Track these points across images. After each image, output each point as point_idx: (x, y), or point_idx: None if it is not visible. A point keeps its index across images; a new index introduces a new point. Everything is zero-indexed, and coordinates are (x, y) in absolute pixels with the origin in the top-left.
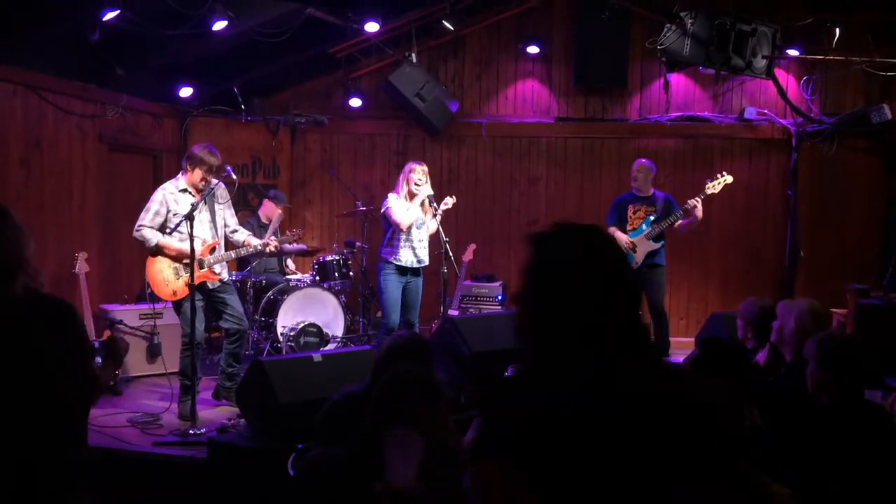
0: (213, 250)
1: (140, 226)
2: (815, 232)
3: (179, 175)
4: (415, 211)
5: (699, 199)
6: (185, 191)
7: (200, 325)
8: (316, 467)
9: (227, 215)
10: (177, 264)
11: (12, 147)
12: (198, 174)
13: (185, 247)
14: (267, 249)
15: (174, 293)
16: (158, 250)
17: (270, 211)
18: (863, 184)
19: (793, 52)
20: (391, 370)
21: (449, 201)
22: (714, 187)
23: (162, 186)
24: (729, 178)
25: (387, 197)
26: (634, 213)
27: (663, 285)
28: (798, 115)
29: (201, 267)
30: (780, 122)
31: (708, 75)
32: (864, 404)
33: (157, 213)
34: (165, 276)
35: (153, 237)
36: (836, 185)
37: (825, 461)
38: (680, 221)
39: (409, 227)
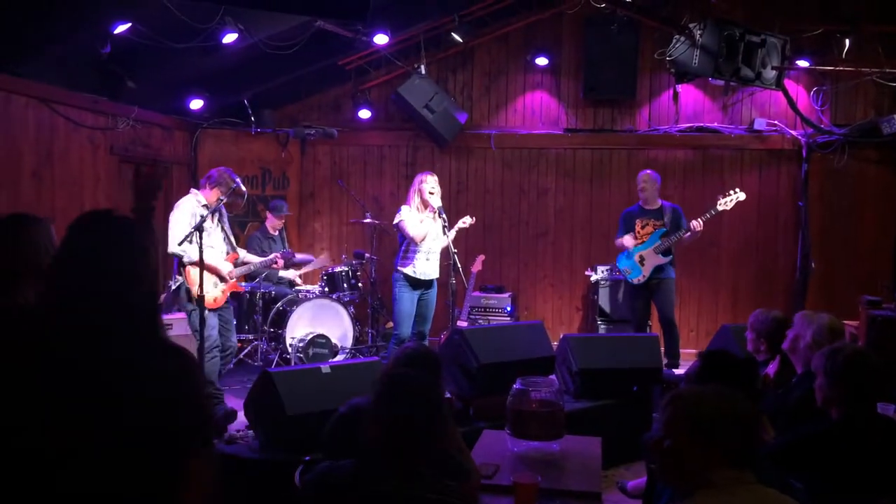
0: (235, 262)
1: (181, 241)
2: (826, 243)
3: (196, 191)
4: (428, 223)
5: (702, 221)
6: (205, 206)
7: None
8: (323, 480)
9: (228, 230)
10: (215, 275)
11: (24, 159)
12: (216, 194)
13: (218, 263)
14: (274, 266)
15: (214, 300)
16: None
17: (276, 222)
18: (874, 194)
19: (803, 63)
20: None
21: (467, 220)
22: (726, 204)
23: (187, 199)
24: (742, 196)
25: (400, 209)
26: (643, 227)
27: (673, 296)
28: (808, 125)
29: (230, 278)
30: (791, 133)
31: (717, 86)
32: (876, 418)
33: (189, 225)
34: (207, 287)
35: (194, 252)
36: (847, 196)
37: (836, 476)
38: (685, 236)
39: (424, 239)
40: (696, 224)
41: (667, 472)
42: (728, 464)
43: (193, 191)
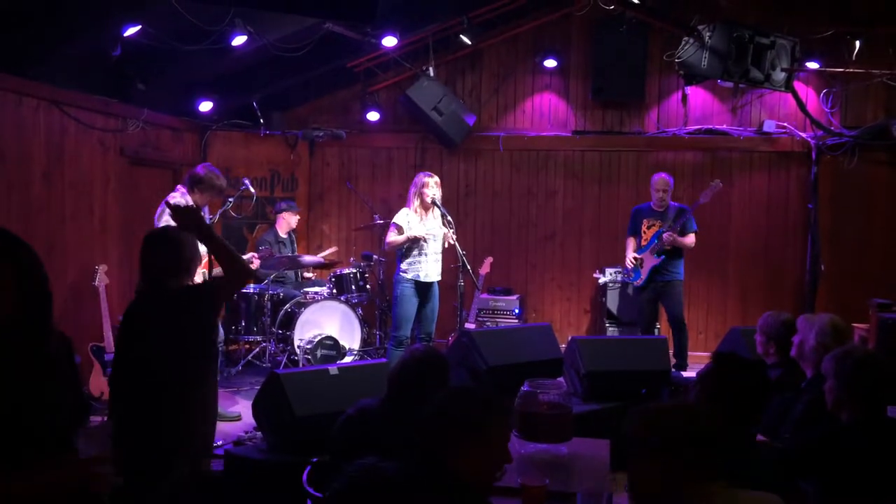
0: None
1: None
2: (835, 246)
3: (184, 191)
4: (430, 224)
5: (672, 236)
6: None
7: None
8: (370, 480)
9: None
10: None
11: (35, 161)
12: (206, 198)
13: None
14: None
15: None
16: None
17: (291, 221)
18: (884, 197)
19: (812, 65)
20: (445, 389)
21: (449, 235)
22: (704, 197)
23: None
24: (718, 185)
25: (401, 211)
26: (648, 227)
27: (681, 298)
28: (818, 127)
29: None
30: (800, 135)
31: (726, 88)
32: (885, 421)
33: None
34: None
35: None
36: (856, 199)
37: (846, 479)
38: (664, 236)
39: (419, 242)
40: (670, 238)
41: (639, 497)
42: (694, 477)
43: (182, 189)
